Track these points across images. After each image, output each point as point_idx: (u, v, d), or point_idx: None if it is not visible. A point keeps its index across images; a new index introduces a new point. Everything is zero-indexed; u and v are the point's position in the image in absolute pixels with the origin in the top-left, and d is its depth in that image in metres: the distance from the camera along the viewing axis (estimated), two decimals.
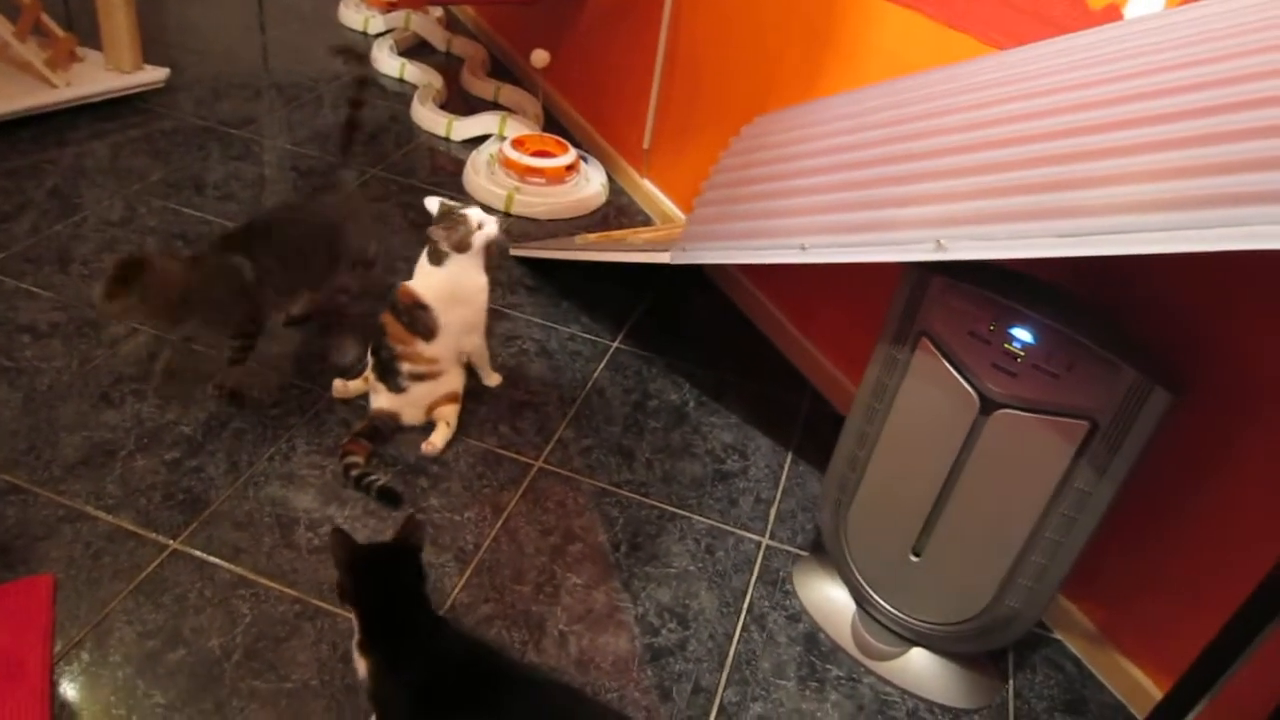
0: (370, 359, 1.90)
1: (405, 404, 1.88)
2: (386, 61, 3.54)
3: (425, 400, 1.90)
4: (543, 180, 2.78)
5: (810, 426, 2.13)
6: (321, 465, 1.79)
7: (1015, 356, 1.28)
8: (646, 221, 2.85)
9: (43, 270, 2.19)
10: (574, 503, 1.82)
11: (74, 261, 2.24)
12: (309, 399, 1.95)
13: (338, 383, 1.97)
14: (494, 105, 3.41)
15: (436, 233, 1.82)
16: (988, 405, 1.32)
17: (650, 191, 2.86)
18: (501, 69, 3.73)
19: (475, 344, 1.97)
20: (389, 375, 1.86)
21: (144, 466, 1.73)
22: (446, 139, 3.13)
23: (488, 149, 2.97)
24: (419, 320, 1.83)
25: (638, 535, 1.77)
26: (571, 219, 2.80)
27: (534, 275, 2.47)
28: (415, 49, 3.81)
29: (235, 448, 1.80)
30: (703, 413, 2.11)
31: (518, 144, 2.84)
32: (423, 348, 1.84)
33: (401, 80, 3.51)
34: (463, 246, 1.83)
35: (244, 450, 1.80)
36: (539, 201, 2.76)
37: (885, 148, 1.41)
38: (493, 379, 2.09)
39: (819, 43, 2.04)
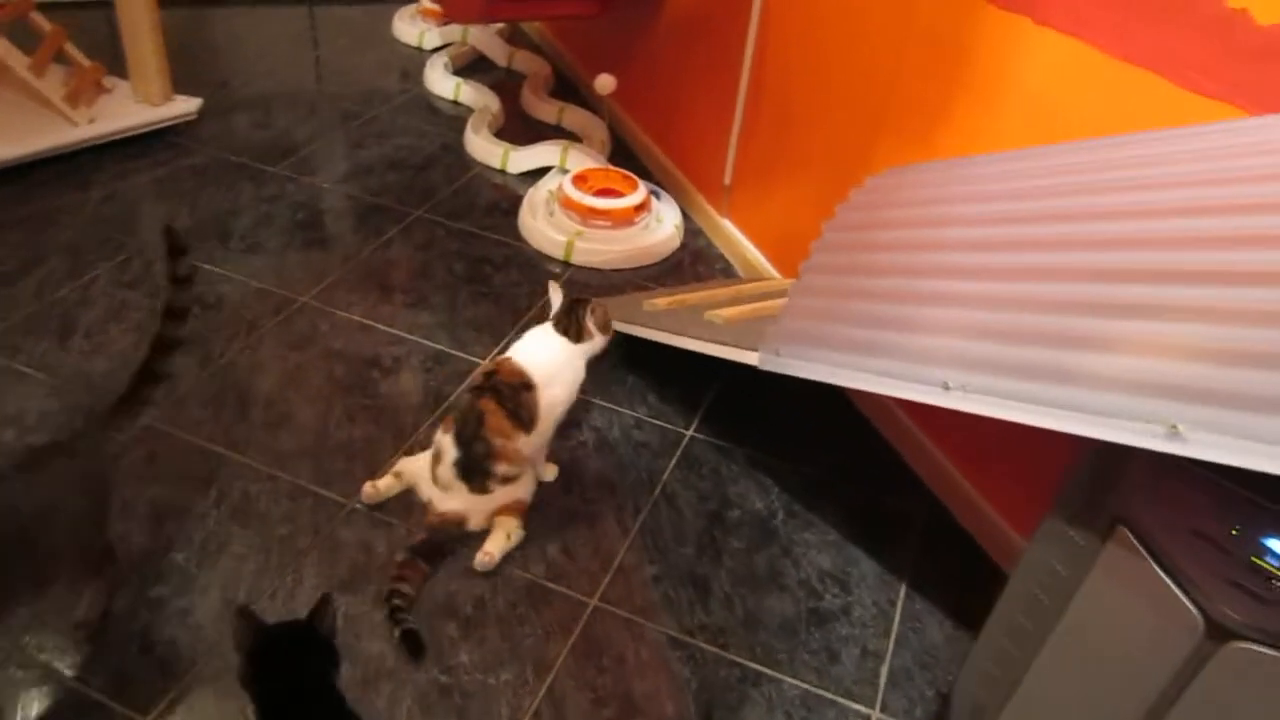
0: (446, 462, 1.59)
1: (479, 507, 1.61)
2: (440, 81, 3.23)
3: (498, 504, 1.62)
4: (608, 223, 2.43)
5: (928, 546, 1.73)
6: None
7: (1270, 576, 0.88)
8: (727, 270, 2.47)
9: (40, 345, 1.93)
10: (636, 657, 1.47)
11: (76, 333, 1.98)
12: (323, 511, 1.64)
13: (367, 486, 1.65)
14: (557, 130, 3.07)
15: (563, 318, 1.67)
16: (1217, 633, 0.92)
17: (731, 234, 2.49)
18: (567, 86, 3.38)
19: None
20: (477, 475, 1.58)
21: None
22: (502, 171, 2.80)
23: (547, 185, 2.63)
24: (524, 405, 1.59)
25: (714, 705, 1.41)
26: (641, 267, 2.44)
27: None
28: (473, 66, 3.49)
29: (232, 578, 1.50)
30: (794, 526, 1.74)
31: (580, 180, 2.49)
32: (522, 442, 1.59)
33: (456, 102, 3.19)
34: (580, 334, 1.67)
35: (242, 583, 1.50)
36: (603, 249, 2.40)
37: (1077, 254, 1.02)
38: (549, 471, 1.77)
39: (945, 74, 1.64)
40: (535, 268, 2.39)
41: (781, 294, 2.01)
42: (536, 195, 2.58)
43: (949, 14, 1.61)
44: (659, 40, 2.71)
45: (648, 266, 2.46)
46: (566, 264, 2.42)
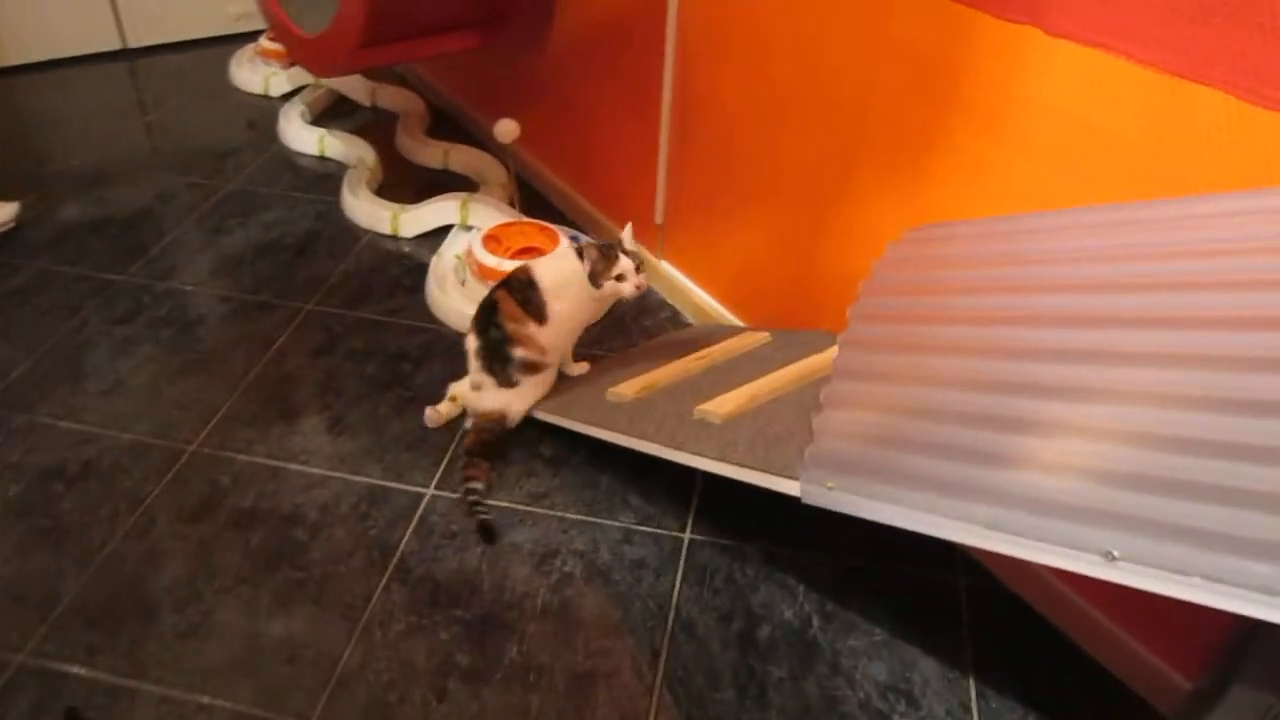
0: (472, 358, 1.78)
1: (514, 400, 1.78)
2: (300, 135, 2.83)
3: (531, 399, 1.81)
4: None
5: (980, 622, 1.52)
6: None
7: None
8: (674, 318, 2.20)
9: None
10: None
11: None
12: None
13: (430, 411, 1.85)
14: (445, 175, 2.72)
15: (591, 250, 1.72)
16: None
17: (672, 277, 2.21)
18: (446, 122, 3.02)
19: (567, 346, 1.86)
20: (499, 364, 1.75)
21: None
22: (395, 237, 2.44)
23: (452, 248, 2.30)
24: (532, 301, 1.73)
25: None
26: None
27: (553, 440, 1.82)
28: (334, 110, 3.09)
29: None
30: (835, 632, 1.50)
31: (492, 242, 2.17)
32: (535, 330, 1.73)
33: (323, 158, 2.80)
34: (595, 277, 1.72)
35: None
36: None
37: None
38: (577, 368, 1.91)
39: (936, 96, 1.40)
40: (461, 353, 2.06)
41: (758, 350, 1.76)
42: (442, 264, 2.25)
43: (934, 28, 1.36)
44: (561, 72, 2.39)
45: (586, 328, 2.16)
46: None
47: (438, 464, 1.77)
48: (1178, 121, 1.12)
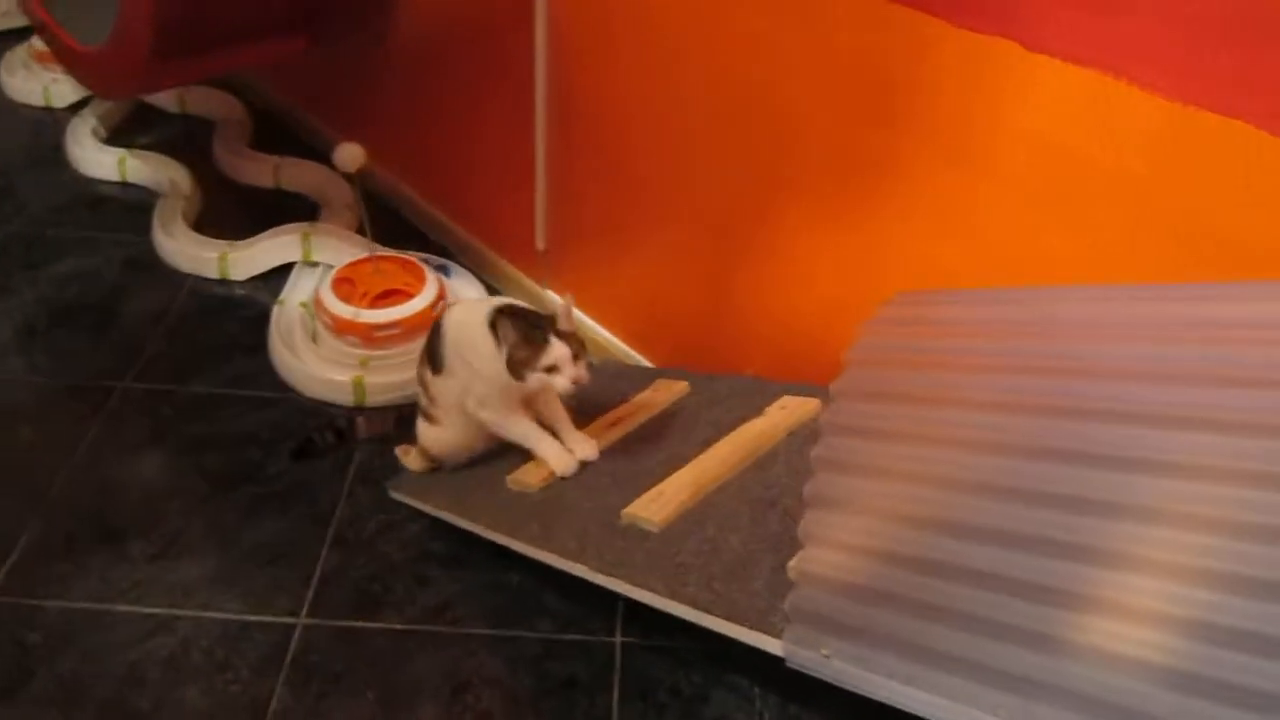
0: None
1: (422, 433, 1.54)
2: (94, 158, 2.37)
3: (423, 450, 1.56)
4: (400, 333, 1.80)
5: None
6: None
7: None
8: None
9: None
10: None
11: None
12: None
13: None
14: (279, 196, 2.33)
15: (507, 326, 1.30)
16: None
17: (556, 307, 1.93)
18: (274, 129, 2.59)
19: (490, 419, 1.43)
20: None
21: None
22: (224, 281, 2.06)
23: (296, 295, 1.95)
24: (433, 345, 1.44)
25: None
26: None
27: (447, 532, 1.53)
28: (136, 122, 2.60)
29: None
30: None
31: (345, 286, 1.83)
32: (430, 377, 1.46)
33: (125, 184, 2.35)
34: (514, 366, 1.30)
35: None
36: (402, 379, 1.78)
37: None
38: (582, 447, 1.41)
39: (888, 119, 1.17)
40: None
41: (680, 406, 1.51)
42: (287, 314, 1.89)
43: (886, 37, 1.13)
44: (414, 72, 2.05)
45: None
46: (360, 409, 1.78)
47: (307, 580, 1.46)
48: (1189, 157, 0.93)
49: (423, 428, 1.51)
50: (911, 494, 0.88)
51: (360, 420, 1.70)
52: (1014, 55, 1.01)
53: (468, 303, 1.50)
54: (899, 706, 0.81)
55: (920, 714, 0.79)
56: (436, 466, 1.56)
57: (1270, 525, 0.69)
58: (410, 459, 1.61)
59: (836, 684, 0.86)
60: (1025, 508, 0.82)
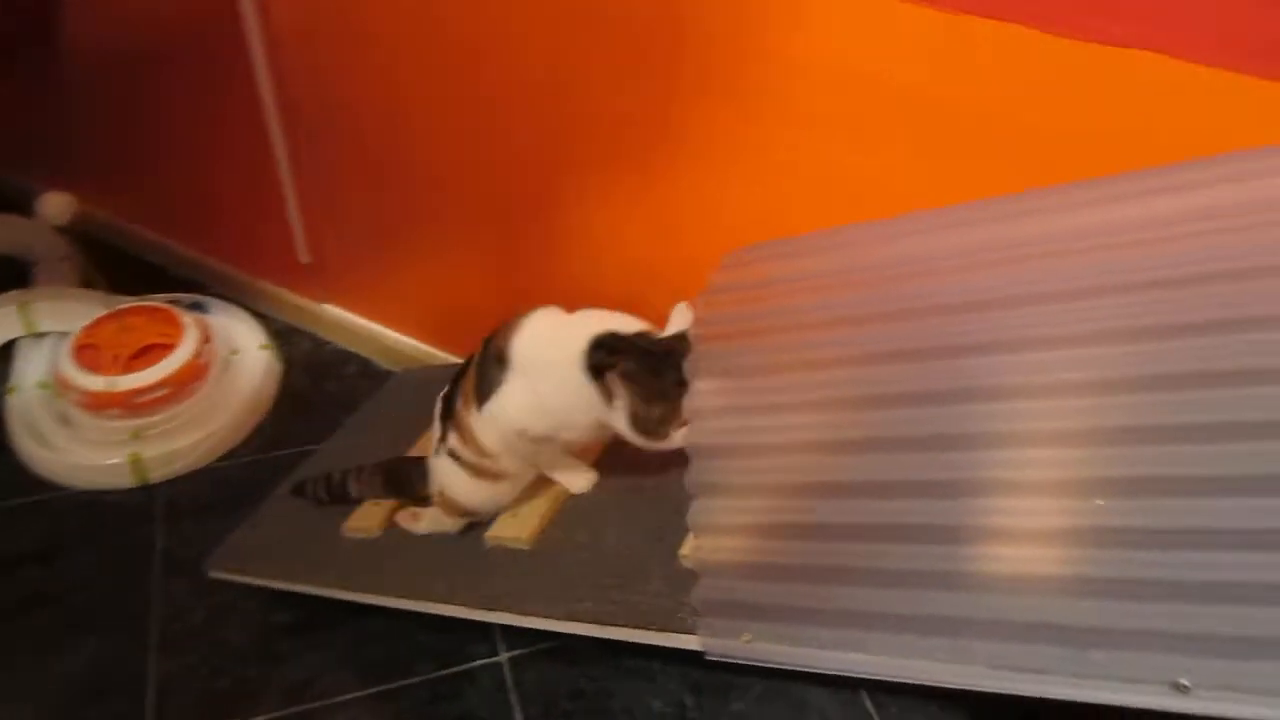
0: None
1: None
2: None
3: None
4: (169, 392, 1.59)
5: None
6: None
7: None
8: (365, 370, 1.79)
9: None
10: None
11: None
12: None
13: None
14: None
15: (629, 384, 0.96)
16: None
17: (346, 322, 1.79)
18: None
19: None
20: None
21: None
22: None
23: (30, 375, 1.67)
24: (489, 376, 1.07)
25: None
26: (247, 441, 1.67)
27: (283, 600, 1.39)
28: None
29: None
30: (712, 703, 1.30)
31: (89, 352, 1.59)
32: (473, 418, 1.08)
33: None
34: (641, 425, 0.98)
35: None
36: (189, 439, 1.59)
37: None
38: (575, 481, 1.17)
39: (651, 63, 1.12)
40: (101, 519, 1.52)
41: None
42: (23, 403, 1.63)
43: None
44: (123, 111, 1.77)
45: (265, 429, 1.69)
46: (146, 488, 1.57)
47: (141, 702, 1.28)
48: (973, 65, 0.94)
49: (467, 486, 1.13)
50: (790, 464, 0.87)
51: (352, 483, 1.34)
52: None
53: (543, 325, 1.08)
54: (835, 673, 0.81)
55: (858, 675, 0.80)
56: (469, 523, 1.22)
57: (1132, 426, 0.72)
58: (425, 523, 1.23)
59: (766, 666, 0.85)
60: (899, 454, 0.82)
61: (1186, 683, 0.65)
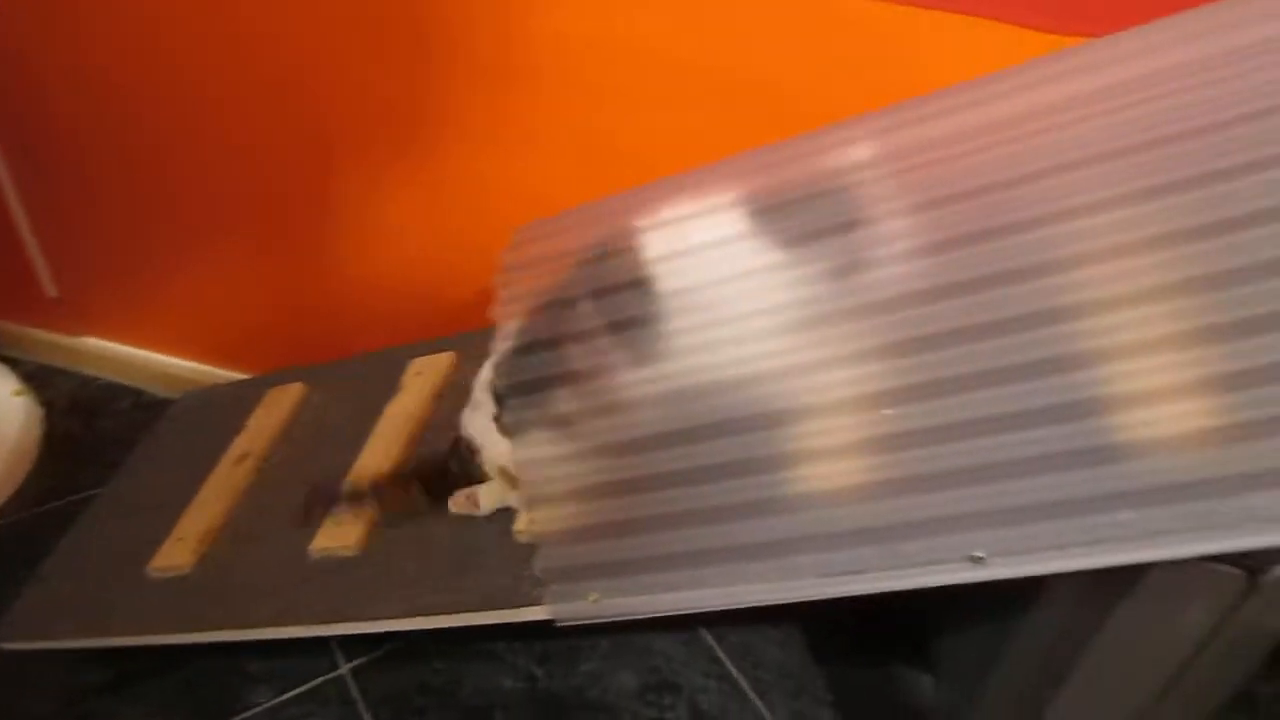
0: None
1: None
2: None
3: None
4: None
5: None
6: None
7: None
8: (139, 402, 1.66)
9: None
10: None
11: None
12: None
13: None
14: None
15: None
16: None
17: (111, 353, 1.65)
18: None
19: None
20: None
21: None
22: None
23: None
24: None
25: None
26: (25, 490, 1.52)
27: (92, 655, 1.29)
28: None
29: None
30: (560, 670, 1.33)
31: None
32: None
33: None
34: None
35: None
36: None
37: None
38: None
39: (418, 52, 1.10)
40: None
41: (307, 412, 1.39)
42: None
43: None
44: None
45: (33, 481, 1.54)
46: None
47: None
48: (729, 25, 0.99)
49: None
50: (602, 426, 0.90)
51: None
52: None
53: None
54: (680, 613, 0.85)
55: (702, 609, 0.84)
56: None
57: (897, 341, 0.80)
58: (487, 500, 1.07)
59: (616, 620, 0.88)
60: (703, 399, 0.87)
61: (981, 554, 0.74)
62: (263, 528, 1.21)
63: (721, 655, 1.34)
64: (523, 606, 0.92)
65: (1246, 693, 1.33)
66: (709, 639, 1.36)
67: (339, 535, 1.11)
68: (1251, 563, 0.85)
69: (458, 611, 0.95)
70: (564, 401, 0.93)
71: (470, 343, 1.24)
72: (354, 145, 1.24)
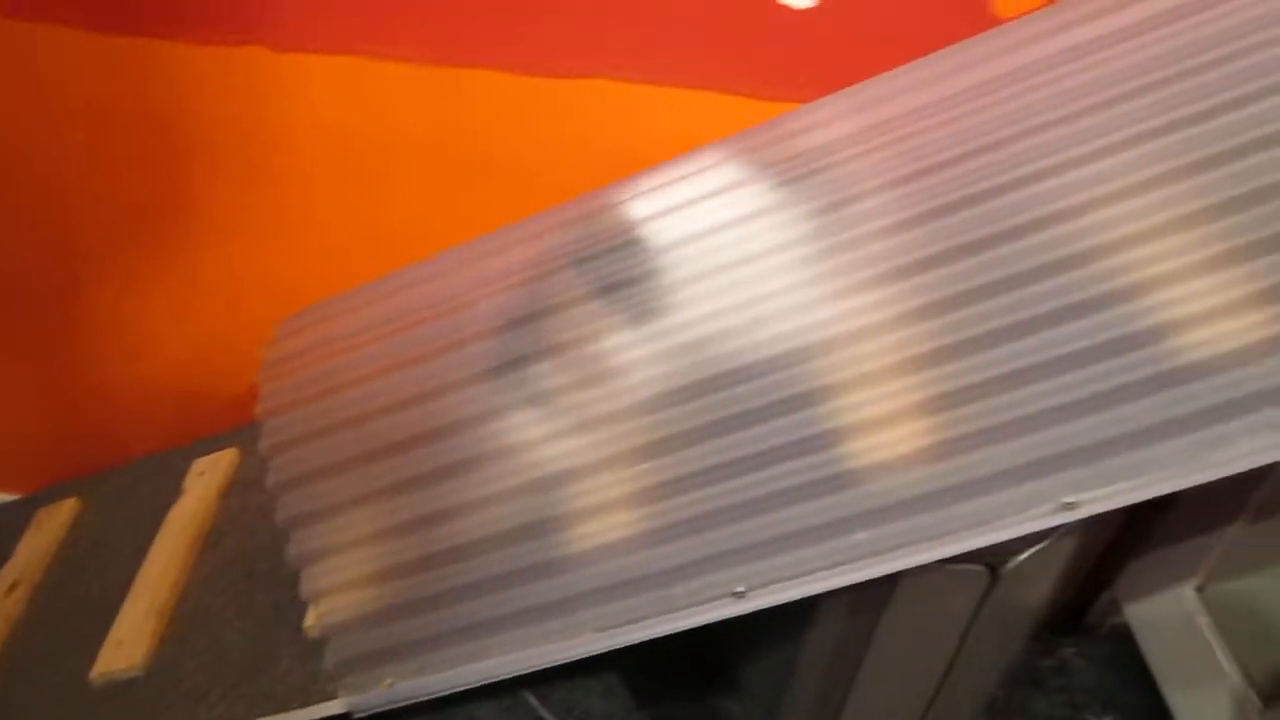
0: None
1: None
2: None
3: None
4: None
5: None
6: None
7: None
8: None
9: None
10: None
11: None
12: None
13: None
14: None
15: None
16: None
17: None
18: None
19: None
20: None
21: None
22: None
23: None
24: None
25: None
26: None
27: None
28: None
29: None
30: None
31: None
32: None
33: None
34: None
35: None
36: None
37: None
38: None
39: (158, 153, 1.08)
40: None
41: (84, 530, 1.31)
42: None
43: (124, 76, 1.02)
44: None
45: None
46: None
47: None
48: (460, 105, 1.03)
49: None
50: (383, 508, 0.91)
51: None
52: (264, 60, 1.00)
53: None
54: (480, 683, 0.86)
55: (495, 678, 0.86)
56: None
57: (631, 405, 0.86)
58: None
59: (412, 702, 0.88)
60: (472, 473, 0.89)
61: (742, 589, 0.80)
62: (40, 659, 1.14)
63: (546, 715, 1.36)
64: (317, 704, 0.91)
65: (1032, 667, 1.47)
66: (532, 700, 1.37)
67: (122, 657, 1.05)
68: (991, 558, 0.96)
69: (251, 719, 0.93)
70: (344, 488, 0.93)
71: (254, 437, 1.21)
72: (105, 246, 1.19)
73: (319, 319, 0.98)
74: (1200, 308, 0.78)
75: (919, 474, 0.79)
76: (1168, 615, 1.38)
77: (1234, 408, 0.75)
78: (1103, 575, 1.45)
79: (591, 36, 0.95)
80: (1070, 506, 0.76)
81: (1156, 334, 0.78)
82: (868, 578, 0.79)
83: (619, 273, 0.92)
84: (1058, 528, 0.83)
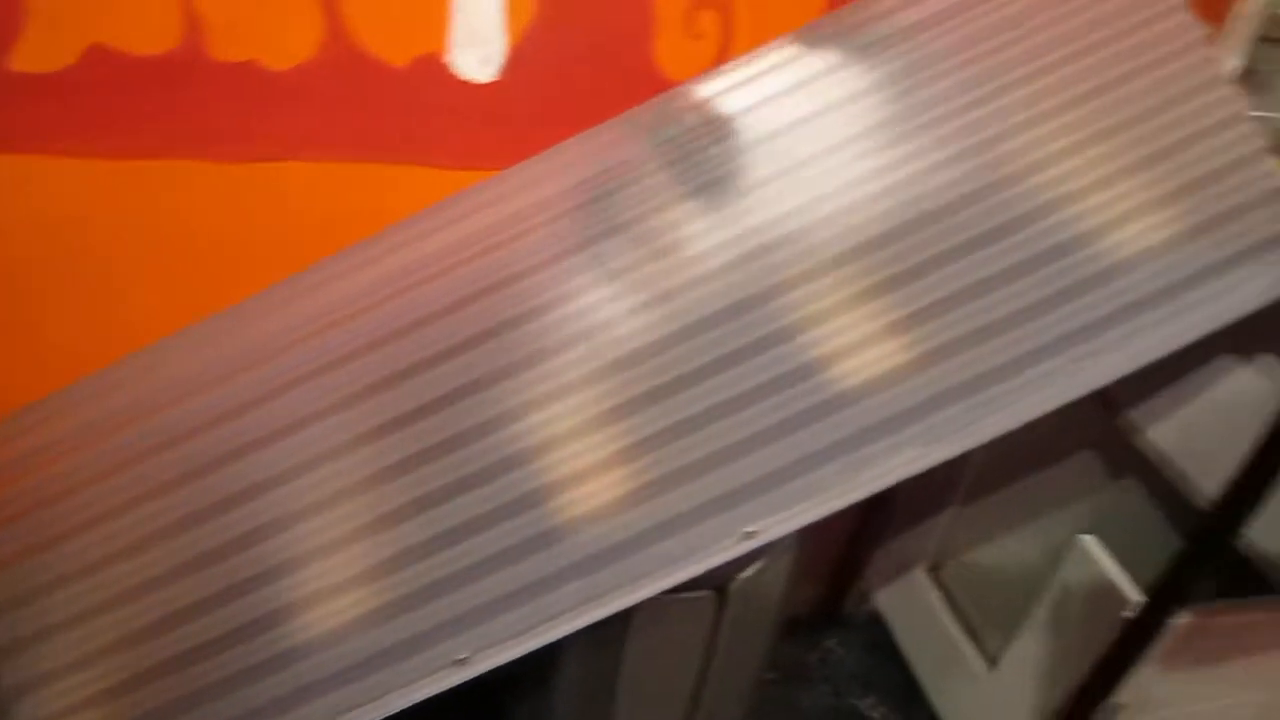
0: None
1: None
2: None
3: None
4: None
5: None
6: None
7: None
8: None
9: None
10: None
11: None
12: None
13: None
14: None
15: None
16: None
17: None
18: None
19: None
20: None
21: None
22: None
23: None
24: None
25: None
26: None
27: None
28: None
29: None
30: None
31: None
32: None
33: None
34: None
35: None
36: None
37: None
38: None
39: None
40: None
41: None
42: None
43: None
44: None
45: None
46: None
47: None
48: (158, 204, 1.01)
49: None
50: (103, 624, 0.88)
51: None
52: None
53: None
54: None
55: None
56: None
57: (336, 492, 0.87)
58: None
59: None
60: (181, 580, 0.88)
61: (464, 655, 0.82)
62: None
63: None
64: None
65: (799, 662, 1.58)
66: None
67: None
68: (716, 580, 1.03)
69: None
70: (64, 604, 0.89)
71: None
72: None
73: (30, 426, 0.93)
74: (848, 340, 0.87)
75: (617, 521, 0.84)
76: (907, 597, 1.51)
77: (882, 428, 0.85)
78: (852, 568, 1.58)
79: (287, 121, 0.96)
80: (751, 535, 0.83)
81: (813, 368, 0.87)
82: (583, 626, 0.83)
83: None
84: (775, 543, 0.91)
